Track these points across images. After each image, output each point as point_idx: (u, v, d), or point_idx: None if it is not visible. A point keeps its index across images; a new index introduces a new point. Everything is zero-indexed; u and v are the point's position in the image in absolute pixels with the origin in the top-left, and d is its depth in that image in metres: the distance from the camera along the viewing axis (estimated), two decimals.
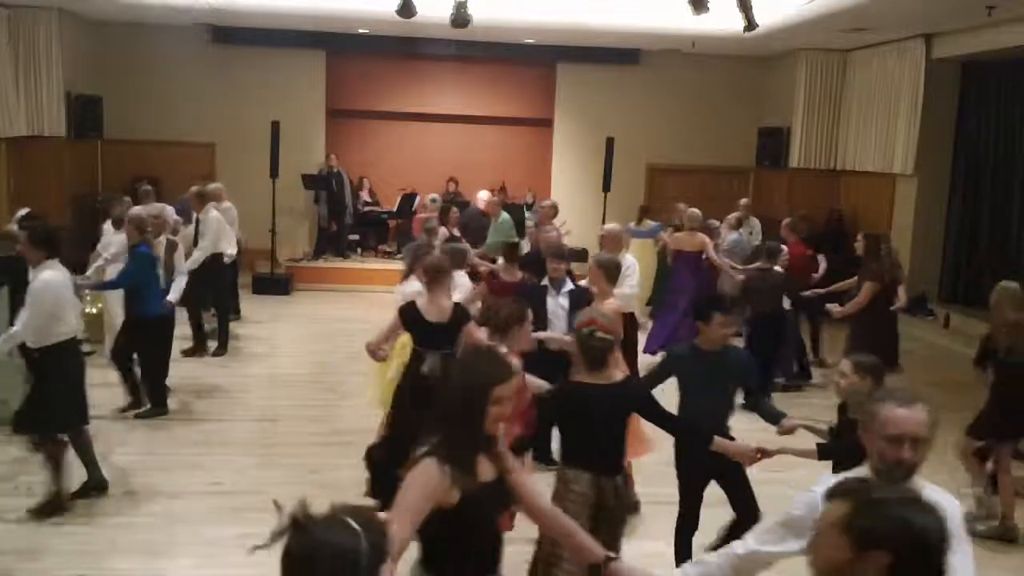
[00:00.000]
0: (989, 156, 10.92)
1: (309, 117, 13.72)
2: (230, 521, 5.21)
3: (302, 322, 10.93)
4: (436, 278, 5.01)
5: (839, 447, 3.85)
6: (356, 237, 13.86)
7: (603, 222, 12.80)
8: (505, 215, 10.27)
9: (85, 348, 6.73)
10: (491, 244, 9.55)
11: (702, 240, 9.50)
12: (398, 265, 10.66)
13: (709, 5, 7.97)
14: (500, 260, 7.22)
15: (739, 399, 4.60)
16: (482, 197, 11.60)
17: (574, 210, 13.33)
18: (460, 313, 4.98)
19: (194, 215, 8.95)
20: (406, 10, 8.75)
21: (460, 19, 8.76)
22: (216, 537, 5.02)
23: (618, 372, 4.01)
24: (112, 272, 7.48)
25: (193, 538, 5.03)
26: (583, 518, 3.52)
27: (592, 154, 13.56)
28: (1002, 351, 5.40)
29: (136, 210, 7.54)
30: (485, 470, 2.62)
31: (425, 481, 2.48)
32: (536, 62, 14.11)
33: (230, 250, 9.14)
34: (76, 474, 5.53)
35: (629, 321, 6.60)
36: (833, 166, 12.96)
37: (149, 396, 7.09)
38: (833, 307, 7.68)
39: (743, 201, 11.51)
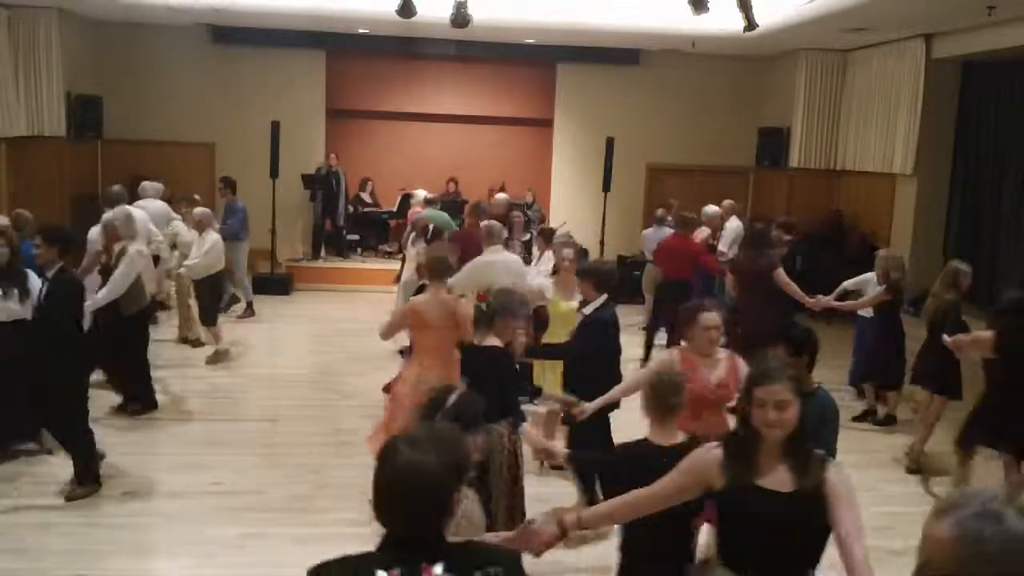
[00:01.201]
0: (989, 156, 10.91)
1: (309, 117, 13.72)
2: (230, 521, 5.22)
3: (302, 322, 10.94)
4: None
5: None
6: (356, 237, 13.87)
7: (603, 222, 12.89)
8: (430, 212, 10.52)
9: None
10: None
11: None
12: (398, 265, 10.69)
13: (709, 5, 7.97)
14: None
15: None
16: (500, 198, 11.59)
17: (574, 210, 13.37)
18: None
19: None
20: (406, 10, 8.75)
21: (460, 19, 8.76)
22: (216, 537, 5.02)
23: (492, 341, 4.47)
24: None
25: (193, 538, 5.03)
26: None
27: (592, 154, 13.55)
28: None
29: (22, 211, 7.57)
30: (780, 479, 2.60)
31: (697, 455, 2.77)
32: (536, 62, 14.10)
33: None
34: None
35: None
36: (833, 166, 12.95)
37: None
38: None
39: (727, 202, 11.12)
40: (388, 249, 13.76)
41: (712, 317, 4.39)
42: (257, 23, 12.64)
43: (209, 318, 8.80)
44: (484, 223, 7.68)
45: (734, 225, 10.26)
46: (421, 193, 11.38)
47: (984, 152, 10.97)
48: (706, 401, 4.25)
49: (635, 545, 3.34)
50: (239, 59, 13.36)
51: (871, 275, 7.68)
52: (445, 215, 10.18)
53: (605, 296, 5.54)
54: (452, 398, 3.07)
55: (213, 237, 8.85)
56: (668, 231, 10.03)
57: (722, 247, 9.98)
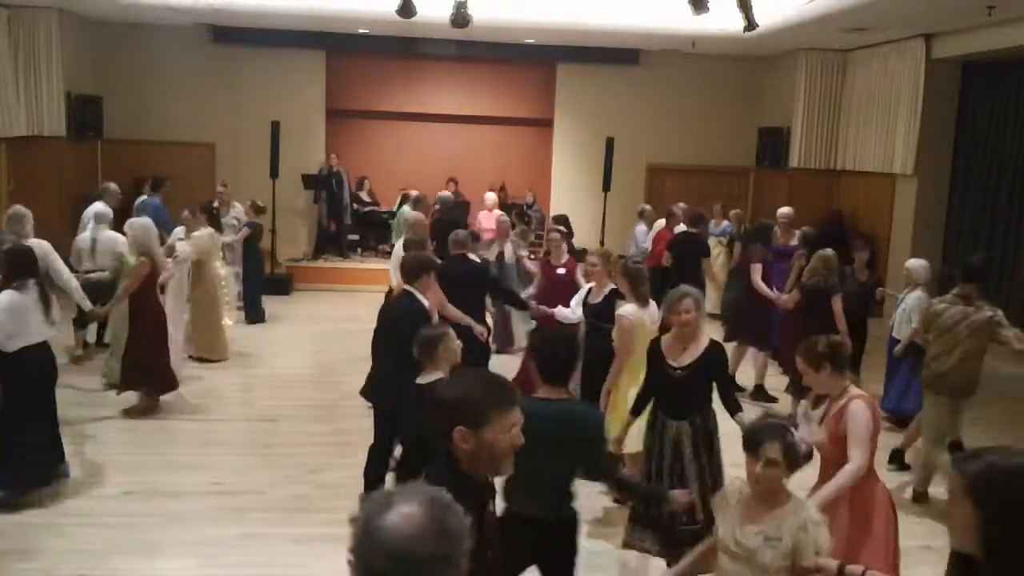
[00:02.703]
0: (989, 156, 10.91)
1: (309, 117, 13.72)
2: (230, 521, 5.22)
3: (302, 322, 10.93)
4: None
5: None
6: (356, 237, 13.86)
7: (603, 222, 12.89)
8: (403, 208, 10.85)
9: None
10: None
11: None
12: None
13: (709, 5, 7.97)
14: None
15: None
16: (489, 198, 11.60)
17: (574, 210, 13.34)
18: None
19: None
20: (406, 10, 8.75)
21: (460, 19, 8.76)
22: (216, 537, 5.02)
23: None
24: None
25: (193, 538, 5.03)
26: None
27: (592, 154, 13.56)
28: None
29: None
30: None
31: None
32: (536, 62, 14.11)
33: None
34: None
35: None
36: (833, 166, 12.95)
37: None
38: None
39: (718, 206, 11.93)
40: (388, 249, 13.72)
41: (802, 366, 3.95)
42: (257, 23, 12.65)
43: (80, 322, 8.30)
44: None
45: (640, 228, 11.04)
46: (492, 196, 11.54)
47: (984, 152, 10.96)
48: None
49: None
50: (239, 59, 13.36)
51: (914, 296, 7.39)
52: (406, 211, 10.28)
53: (412, 289, 5.15)
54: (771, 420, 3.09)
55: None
56: (642, 225, 11.12)
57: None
